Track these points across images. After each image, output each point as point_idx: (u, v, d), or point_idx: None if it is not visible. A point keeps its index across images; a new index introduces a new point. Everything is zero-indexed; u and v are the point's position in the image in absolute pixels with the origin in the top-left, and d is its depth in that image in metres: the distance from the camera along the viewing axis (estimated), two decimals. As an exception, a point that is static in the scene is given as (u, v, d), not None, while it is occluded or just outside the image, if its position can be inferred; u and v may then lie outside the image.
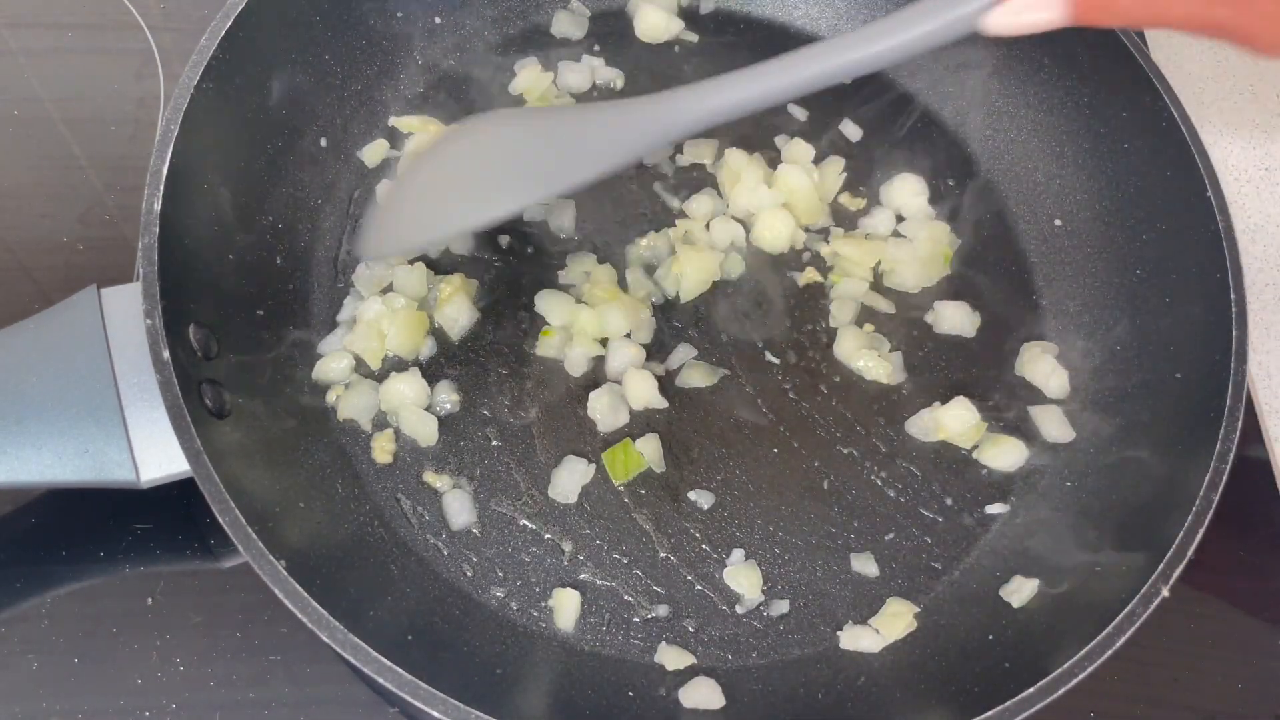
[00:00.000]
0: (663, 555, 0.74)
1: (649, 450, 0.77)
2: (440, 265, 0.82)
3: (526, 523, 0.75)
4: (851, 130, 0.91)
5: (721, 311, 0.83)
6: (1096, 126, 0.85)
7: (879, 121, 0.92)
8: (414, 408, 0.76)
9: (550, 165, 0.69)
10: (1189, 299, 0.77)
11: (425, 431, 0.76)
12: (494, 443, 0.77)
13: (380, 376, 0.78)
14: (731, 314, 0.83)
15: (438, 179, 0.73)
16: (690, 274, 0.82)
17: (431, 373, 0.78)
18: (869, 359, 0.81)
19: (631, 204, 0.87)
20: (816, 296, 0.84)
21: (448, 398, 0.78)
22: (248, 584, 0.71)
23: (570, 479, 0.76)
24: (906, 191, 0.88)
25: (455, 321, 0.80)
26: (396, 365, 0.78)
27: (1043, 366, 0.82)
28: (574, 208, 0.85)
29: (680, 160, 0.88)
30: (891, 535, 0.76)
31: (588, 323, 0.79)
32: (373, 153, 0.85)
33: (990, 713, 0.61)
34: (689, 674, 0.71)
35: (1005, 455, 0.79)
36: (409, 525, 0.74)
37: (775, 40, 0.95)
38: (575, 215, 0.85)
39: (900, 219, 0.88)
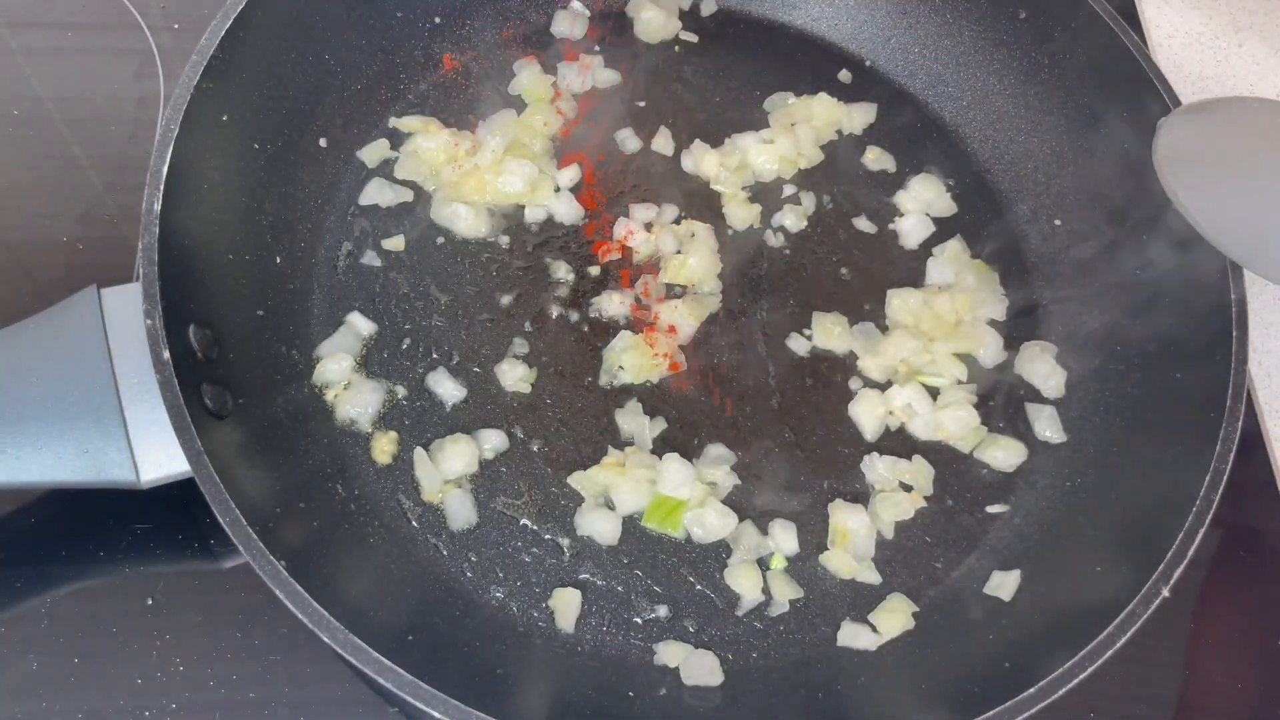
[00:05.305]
0: (663, 555, 0.74)
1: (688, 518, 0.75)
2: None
3: (527, 523, 0.74)
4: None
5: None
6: (1097, 127, 0.85)
7: (878, 123, 0.92)
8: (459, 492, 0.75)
9: None
10: (1189, 298, 0.77)
11: (465, 515, 0.74)
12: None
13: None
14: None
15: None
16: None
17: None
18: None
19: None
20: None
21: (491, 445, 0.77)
22: (248, 584, 0.71)
23: (605, 523, 0.75)
24: (929, 191, 0.89)
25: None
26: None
27: (1042, 366, 0.82)
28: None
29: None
30: (892, 536, 0.77)
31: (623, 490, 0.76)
32: (373, 153, 0.85)
33: (991, 713, 0.61)
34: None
35: (1005, 455, 0.79)
36: (409, 526, 0.74)
37: (776, 41, 0.95)
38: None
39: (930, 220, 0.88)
